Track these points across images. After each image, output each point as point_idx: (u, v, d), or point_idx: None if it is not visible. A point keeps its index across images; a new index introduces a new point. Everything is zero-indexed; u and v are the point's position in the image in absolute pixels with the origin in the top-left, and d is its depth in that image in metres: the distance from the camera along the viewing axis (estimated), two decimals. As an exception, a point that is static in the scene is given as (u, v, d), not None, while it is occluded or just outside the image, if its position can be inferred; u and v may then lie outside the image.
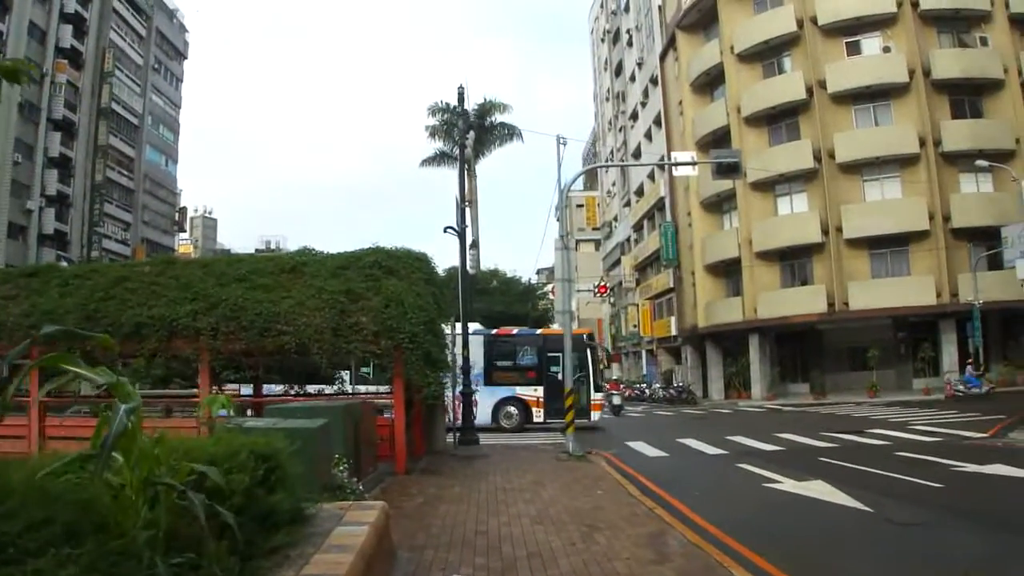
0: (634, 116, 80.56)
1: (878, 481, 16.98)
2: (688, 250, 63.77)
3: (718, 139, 54.80)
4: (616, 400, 44.91)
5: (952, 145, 50.33)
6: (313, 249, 20.91)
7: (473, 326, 37.51)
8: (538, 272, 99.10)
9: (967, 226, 49.94)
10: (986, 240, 49.10)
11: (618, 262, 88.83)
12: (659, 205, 71.44)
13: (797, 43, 54.52)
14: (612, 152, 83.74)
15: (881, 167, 51.89)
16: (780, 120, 55.56)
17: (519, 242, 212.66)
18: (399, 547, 10.21)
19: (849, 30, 53.45)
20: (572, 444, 22.95)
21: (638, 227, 79.97)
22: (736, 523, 12.62)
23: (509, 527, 12.28)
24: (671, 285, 68.26)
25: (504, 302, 67.33)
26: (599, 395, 34.75)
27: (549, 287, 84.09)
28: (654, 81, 71.92)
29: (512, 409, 34.18)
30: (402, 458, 18.52)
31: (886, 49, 52.56)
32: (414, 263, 19.61)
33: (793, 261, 54.85)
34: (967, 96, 52.46)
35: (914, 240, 50.64)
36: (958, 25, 53.24)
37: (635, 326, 79.23)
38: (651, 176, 74.61)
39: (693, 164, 29.12)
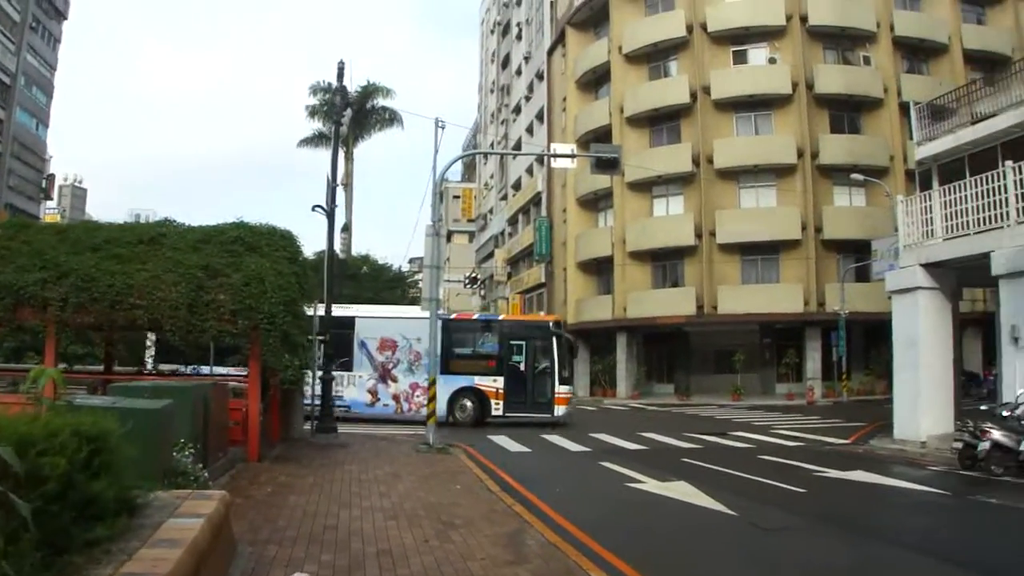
0: (517, 110, 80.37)
1: (742, 484, 17.19)
2: (562, 246, 63.96)
3: (599, 137, 54.82)
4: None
5: (829, 158, 51.67)
6: (175, 221, 19.68)
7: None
8: (410, 261, 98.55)
9: (838, 238, 51.36)
10: (855, 252, 50.39)
11: (491, 255, 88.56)
12: (536, 200, 71.52)
13: (685, 48, 55.04)
14: (493, 144, 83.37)
15: (758, 175, 52.75)
16: (662, 122, 56.06)
17: (394, 230, 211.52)
18: (241, 540, 9.67)
19: (737, 39, 54.28)
20: (432, 436, 22.45)
21: (513, 221, 79.93)
22: (597, 523, 12.52)
23: (361, 521, 11.88)
24: (543, 280, 68.30)
25: (374, 288, 66.88)
26: (565, 388, 31.77)
27: (420, 275, 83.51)
28: (540, 76, 71.86)
29: (467, 402, 31.65)
30: (255, 444, 17.90)
31: (772, 60, 53.53)
32: (278, 241, 18.95)
33: (665, 262, 55.35)
34: (847, 112, 53.97)
35: (785, 248, 51.69)
36: (844, 43, 54.66)
37: (504, 320, 78.42)
38: (529, 171, 74.73)
39: (572, 157, 28.67)
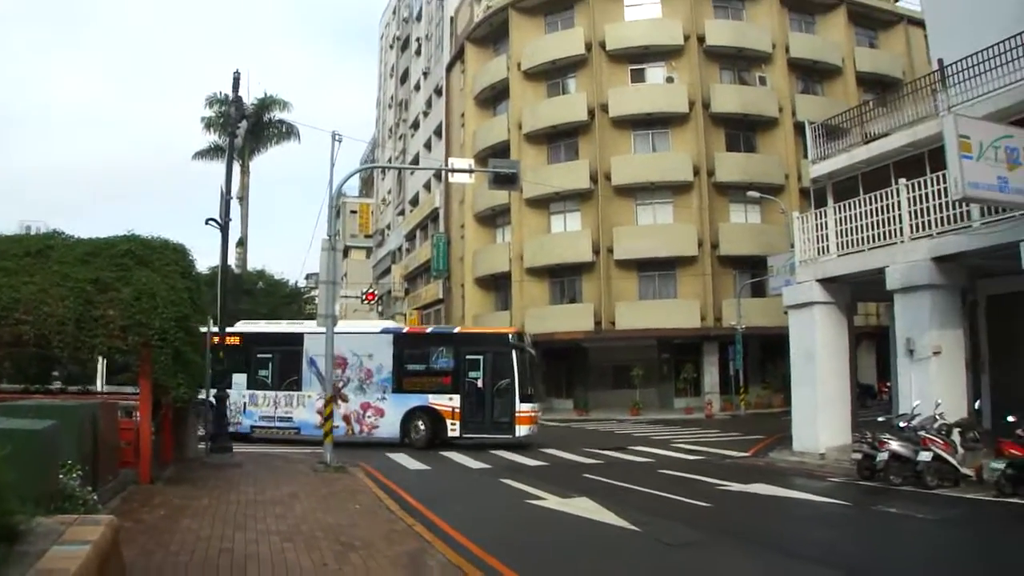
0: (415, 125, 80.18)
1: (643, 499, 17.30)
2: (459, 262, 63.89)
3: (497, 153, 54.76)
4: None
5: (725, 176, 52.46)
6: (63, 233, 18.74)
7: (381, 323, 37.29)
8: (307, 277, 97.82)
9: (734, 254, 52.15)
10: (751, 268, 51.36)
11: (388, 270, 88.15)
12: (433, 216, 71.42)
13: (584, 65, 55.39)
14: (391, 159, 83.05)
15: (655, 192, 53.26)
16: (560, 139, 56.34)
17: (291, 245, 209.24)
18: (132, 567, 9.09)
19: (635, 58, 54.83)
20: (330, 455, 21.99)
21: (411, 237, 79.66)
22: (499, 542, 12.48)
23: (257, 545, 11.42)
24: (440, 296, 67.98)
25: (269, 304, 66.32)
26: (528, 407, 29.01)
27: (317, 291, 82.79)
28: (439, 91, 71.75)
29: (419, 423, 29.28)
30: (147, 466, 17.14)
31: (669, 79, 54.16)
32: (171, 255, 18.22)
33: (563, 278, 55.47)
34: (743, 131, 54.98)
35: (682, 264, 52.19)
36: (740, 63, 55.71)
37: (401, 337, 77.94)
38: (427, 186, 74.49)
39: (470, 172, 28.53)
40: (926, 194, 22.13)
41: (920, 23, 44.65)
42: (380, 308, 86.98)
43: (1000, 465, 16.26)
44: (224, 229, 25.83)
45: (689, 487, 18.66)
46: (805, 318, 26.15)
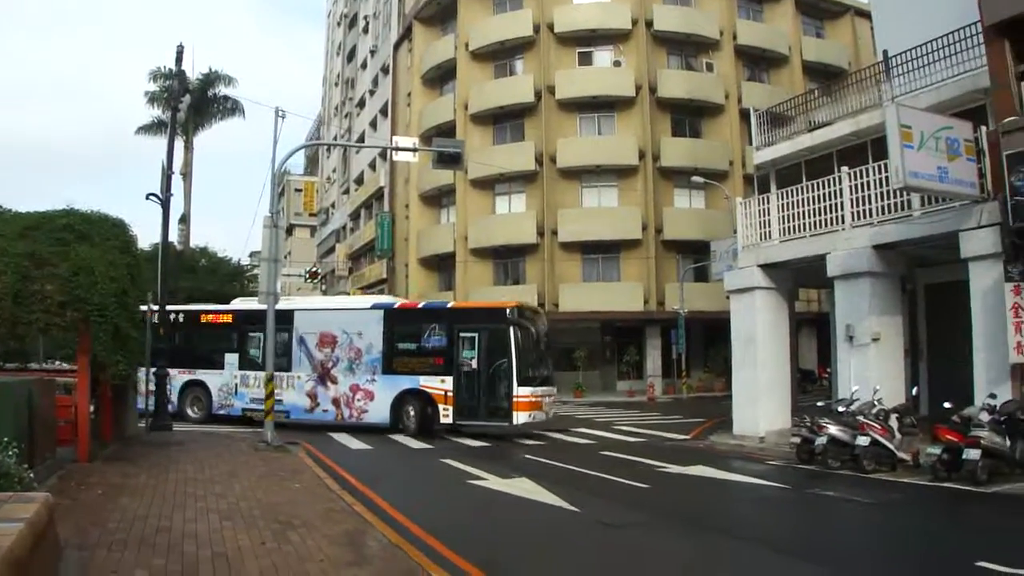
0: (361, 104, 79.77)
1: (584, 480, 17.50)
2: (403, 242, 63.87)
3: (443, 134, 54.28)
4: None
5: (670, 161, 52.73)
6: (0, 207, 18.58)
7: (372, 298, 34.32)
8: (251, 255, 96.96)
9: (678, 238, 52.55)
10: (695, 253, 51.73)
11: (332, 249, 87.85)
12: (378, 195, 71.29)
13: (532, 47, 55.37)
14: (336, 137, 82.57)
15: (600, 175, 53.43)
16: (506, 120, 56.27)
17: (235, 223, 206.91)
18: (68, 545, 9.09)
19: (583, 41, 54.83)
20: (271, 433, 21.99)
21: (355, 216, 79.44)
22: (439, 522, 12.53)
23: (195, 523, 11.28)
24: (384, 276, 67.86)
25: (213, 282, 65.58)
26: (527, 391, 25.74)
27: (259, 269, 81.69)
28: (385, 70, 71.49)
29: (410, 408, 26.95)
30: (85, 444, 16.95)
31: (617, 63, 54.26)
32: (110, 229, 17.95)
33: (507, 260, 55.56)
34: (688, 116, 55.32)
35: (626, 248, 52.41)
36: (687, 49, 55.99)
37: (345, 317, 77.45)
38: (372, 165, 74.31)
39: (415, 150, 28.38)
40: (868, 182, 22.40)
41: (866, 14, 45.24)
42: (324, 287, 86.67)
43: (936, 450, 16.55)
44: (165, 205, 25.66)
45: (630, 469, 18.85)
46: (747, 303, 26.39)
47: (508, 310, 26.44)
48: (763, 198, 26.79)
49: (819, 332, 49.18)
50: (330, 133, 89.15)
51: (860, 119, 24.51)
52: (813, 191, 24.29)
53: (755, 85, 55.92)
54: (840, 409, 19.39)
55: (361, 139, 74.32)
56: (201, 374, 30.26)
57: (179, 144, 42.89)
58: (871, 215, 22.36)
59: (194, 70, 53.18)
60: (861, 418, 18.56)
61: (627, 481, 17.01)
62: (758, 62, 58.15)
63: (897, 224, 21.75)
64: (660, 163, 52.83)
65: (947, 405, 17.58)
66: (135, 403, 24.16)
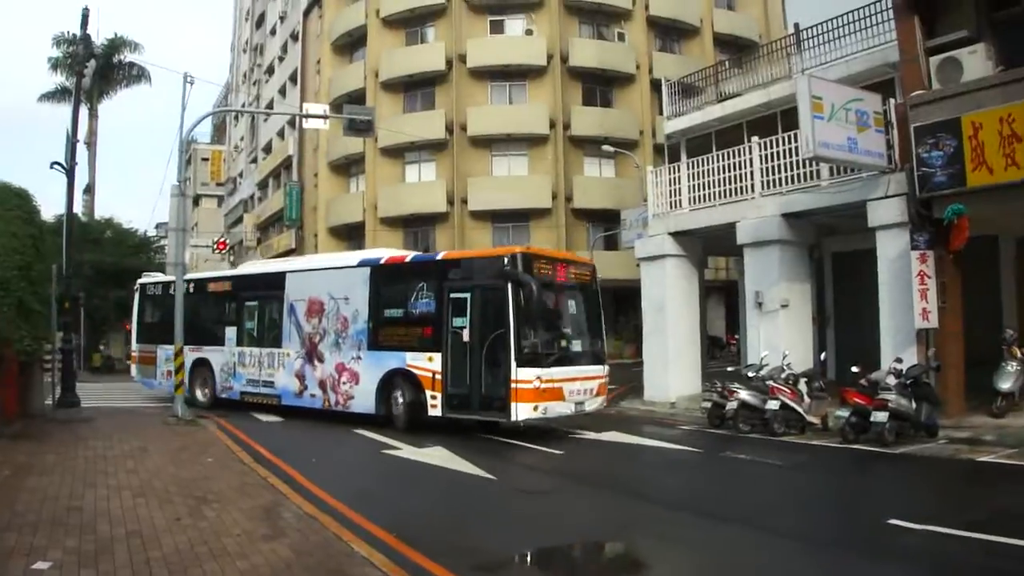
0: (270, 71, 78.49)
1: (498, 448, 17.89)
2: (312, 211, 63.29)
3: (353, 101, 53.72)
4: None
5: (581, 130, 52.87)
6: None
7: (358, 254, 26.17)
8: (157, 226, 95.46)
9: (588, 207, 52.56)
10: (605, 221, 51.52)
11: (240, 220, 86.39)
12: (287, 164, 70.50)
13: (443, 15, 54.94)
14: (244, 106, 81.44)
15: (511, 144, 53.40)
16: (417, 88, 55.79)
17: (141, 194, 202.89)
18: None
19: (495, 9, 54.65)
20: (181, 407, 21.81)
21: (263, 185, 78.46)
22: (355, 493, 12.58)
23: (108, 501, 11.08)
24: (293, 246, 66.89)
25: (118, 254, 64.62)
26: (531, 372, 18.28)
27: (167, 240, 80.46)
28: (295, 36, 70.40)
29: (398, 393, 20.66)
30: None
31: (528, 32, 54.11)
32: (12, 200, 17.82)
33: (417, 229, 54.93)
34: (600, 86, 55.33)
35: (536, 217, 52.37)
36: (599, 18, 55.97)
37: (255, 288, 76.58)
38: (281, 134, 73.48)
39: (325, 117, 27.91)
40: (778, 152, 22.89)
41: (779, -13, 45.72)
42: (232, 258, 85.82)
43: (844, 413, 16.99)
44: (70, 174, 24.90)
45: (543, 435, 19.18)
46: (657, 271, 26.71)
47: (506, 259, 19.19)
48: (673, 167, 27.15)
49: (728, 300, 49.86)
50: (238, 100, 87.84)
51: (771, 90, 25.00)
52: (723, 160, 24.73)
53: (666, 56, 56.23)
54: (750, 374, 19.76)
55: (270, 107, 73.11)
56: (207, 351, 26.30)
57: (84, 112, 42.19)
58: (781, 184, 22.82)
59: (99, 36, 52.09)
60: (771, 383, 18.93)
61: (541, 448, 17.38)
62: (670, 32, 58.41)
63: (806, 193, 22.21)
64: (571, 132, 52.96)
65: (855, 369, 17.97)
66: (41, 380, 23.10)
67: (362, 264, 22.73)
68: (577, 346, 20.37)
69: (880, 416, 16.23)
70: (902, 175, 19.52)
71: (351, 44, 59.86)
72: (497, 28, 54.87)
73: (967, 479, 14.20)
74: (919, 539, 9.85)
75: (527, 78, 53.72)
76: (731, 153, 24.52)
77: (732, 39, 57.63)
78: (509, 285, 18.61)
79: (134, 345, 30.49)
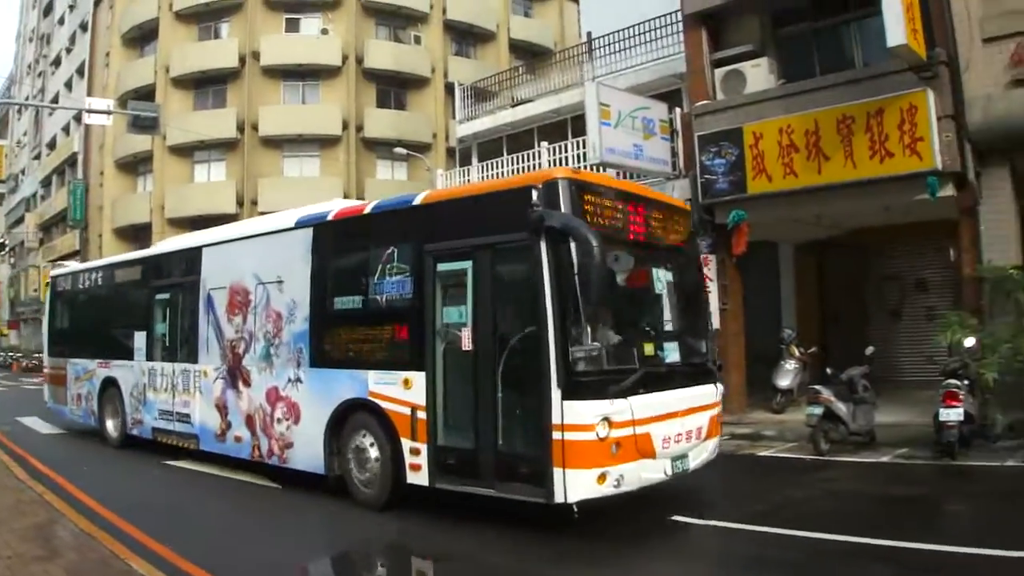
0: (57, 62, 75.67)
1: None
2: (98, 211, 60.93)
3: (142, 97, 51.83)
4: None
5: (374, 132, 52.47)
6: None
7: (297, 212, 15.02)
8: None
9: (381, 208, 51.62)
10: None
11: (22, 219, 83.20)
12: (71, 161, 68.09)
13: (239, 10, 53.71)
14: (28, 98, 78.43)
15: (303, 145, 52.64)
16: (209, 86, 54.38)
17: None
18: None
19: (292, 7, 53.78)
20: None
21: (47, 183, 75.63)
22: (135, 507, 11.89)
23: None
24: (77, 247, 64.72)
25: None
26: (590, 407, 9.49)
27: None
28: (84, 27, 67.80)
29: (359, 439, 12.05)
30: None
31: (324, 31, 53.41)
32: None
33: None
34: (394, 88, 54.99)
35: (329, 219, 51.17)
36: (397, 21, 55.65)
37: (36, 290, 73.64)
38: (66, 129, 70.71)
39: (109, 113, 26.97)
40: (566, 157, 23.21)
41: (575, -2, 46.26)
42: (12, 260, 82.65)
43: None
44: None
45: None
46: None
47: (536, 192, 10.18)
48: (464, 170, 27.44)
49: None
50: (22, 92, 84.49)
51: (562, 97, 25.42)
52: (513, 164, 24.95)
53: (462, 60, 56.50)
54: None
55: (56, 100, 70.38)
56: (116, 368, 18.94)
57: None
58: (569, 188, 23.00)
59: None
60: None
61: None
62: (466, 37, 58.57)
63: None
64: (364, 134, 52.59)
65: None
66: None
67: (301, 225, 14.04)
68: (672, 353, 11.54)
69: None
70: (686, 181, 20.40)
71: (142, 37, 57.88)
72: (293, 26, 53.94)
73: (750, 473, 14.67)
74: (702, 534, 10.05)
75: (321, 78, 53.01)
76: (521, 157, 24.76)
77: (528, 46, 58.27)
78: (543, 243, 9.95)
79: (46, 359, 23.17)
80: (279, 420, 13.53)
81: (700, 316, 12.81)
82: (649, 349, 10.98)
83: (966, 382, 14.76)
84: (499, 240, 10.60)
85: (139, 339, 18.04)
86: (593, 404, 9.54)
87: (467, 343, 10.69)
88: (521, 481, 10.01)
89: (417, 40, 55.79)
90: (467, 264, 10.89)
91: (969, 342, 15.69)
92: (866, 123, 16.98)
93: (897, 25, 14.99)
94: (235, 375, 14.73)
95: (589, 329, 9.75)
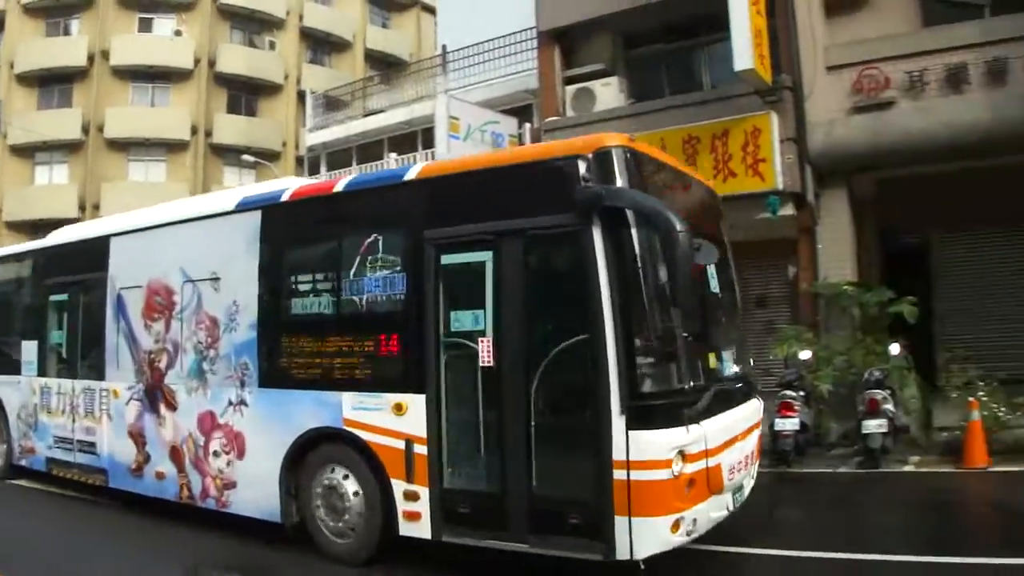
0: None
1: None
2: (-63, 212, 58.69)
3: (-16, 94, 51.34)
4: None
5: (223, 138, 51.72)
6: None
7: (240, 191, 13.28)
8: None
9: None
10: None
11: None
12: (-87, 159, 65.15)
13: (90, 7, 52.13)
14: None
15: (149, 149, 51.51)
16: (55, 84, 52.56)
17: None
18: None
19: (146, 6, 52.54)
20: None
21: None
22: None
23: None
24: (-90, 256, 62.21)
25: None
26: (663, 437, 7.78)
27: None
28: (-77, 19, 65.84)
29: (325, 479, 9.93)
30: None
31: (178, 32, 52.40)
32: None
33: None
34: (246, 94, 54.39)
35: (178, 224, 50.28)
36: (252, 25, 55.07)
37: None
38: (-99, 128, 67.94)
39: None
40: (415, 169, 23.24)
41: (433, 10, 46.39)
42: None
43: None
44: None
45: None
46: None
47: (585, 164, 8.24)
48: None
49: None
50: None
51: (414, 108, 25.61)
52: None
53: (317, 68, 56.10)
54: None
55: None
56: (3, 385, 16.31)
57: None
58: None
59: None
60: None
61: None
62: (322, 45, 58.24)
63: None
64: (213, 140, 51.79)
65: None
66: None
67: (244, 207, 11.50)
68: (728, 364, 10.00)
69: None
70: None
71: (-12, 32, 56.28)
72: (146, 26, 52.71)
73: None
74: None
75: (172, 81, 51.98)
76: (370, 168, 24.78)
77: (384, 56, 58.03)
78: (597, 228, 8.09)
79: None
80: (216, 453, 11.17)
81: (739, 318, 11.65)
82: (712, 360, 9.24)
83: (802, 393, 15.56)
84: (531, 225, 8.58)
85: (28, 350, 15.45)
86: (667, 433, 7.83)
87: (486, 356, 8.66)
88: (566, 534, 8.04)
89: (272, 46, 55.23)
90: (486, 256, 8.84)
91: (805, 355, 16.58)
92: (711, 143, 17.54)
93: (745, 50, 15.56)
94: (155, 396, 12.25)
95: (659, 338, 8.05)
